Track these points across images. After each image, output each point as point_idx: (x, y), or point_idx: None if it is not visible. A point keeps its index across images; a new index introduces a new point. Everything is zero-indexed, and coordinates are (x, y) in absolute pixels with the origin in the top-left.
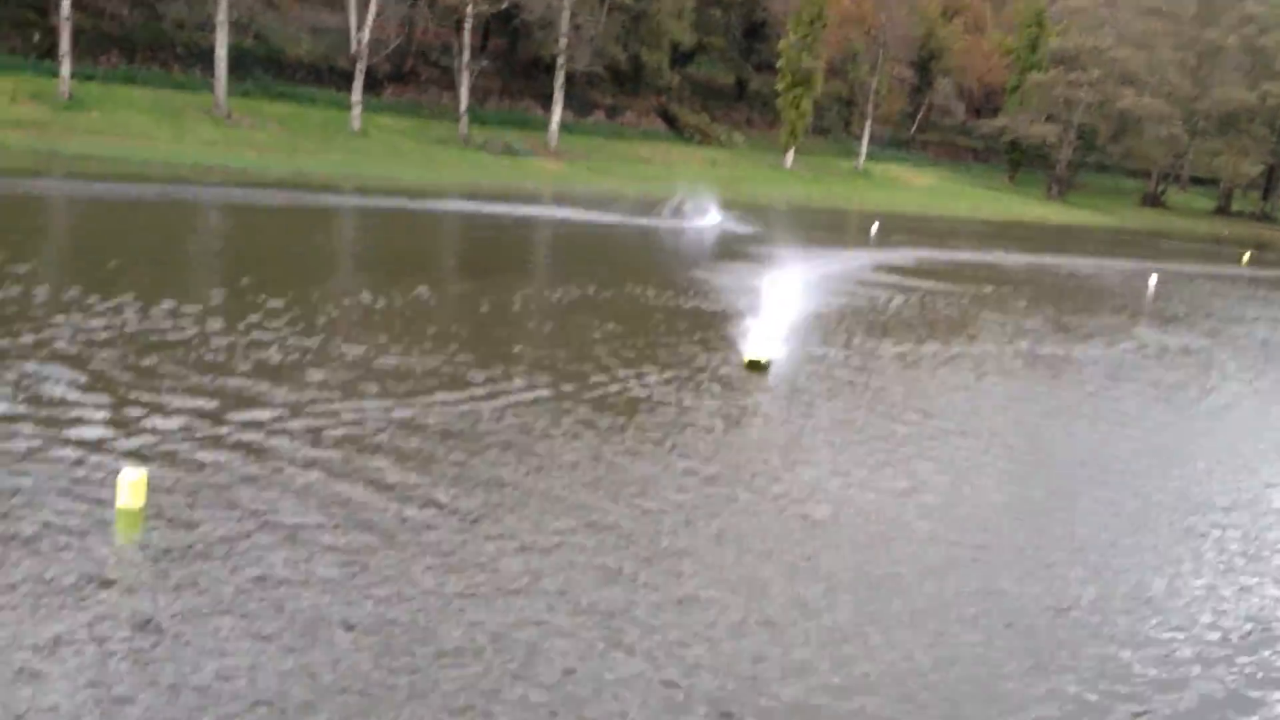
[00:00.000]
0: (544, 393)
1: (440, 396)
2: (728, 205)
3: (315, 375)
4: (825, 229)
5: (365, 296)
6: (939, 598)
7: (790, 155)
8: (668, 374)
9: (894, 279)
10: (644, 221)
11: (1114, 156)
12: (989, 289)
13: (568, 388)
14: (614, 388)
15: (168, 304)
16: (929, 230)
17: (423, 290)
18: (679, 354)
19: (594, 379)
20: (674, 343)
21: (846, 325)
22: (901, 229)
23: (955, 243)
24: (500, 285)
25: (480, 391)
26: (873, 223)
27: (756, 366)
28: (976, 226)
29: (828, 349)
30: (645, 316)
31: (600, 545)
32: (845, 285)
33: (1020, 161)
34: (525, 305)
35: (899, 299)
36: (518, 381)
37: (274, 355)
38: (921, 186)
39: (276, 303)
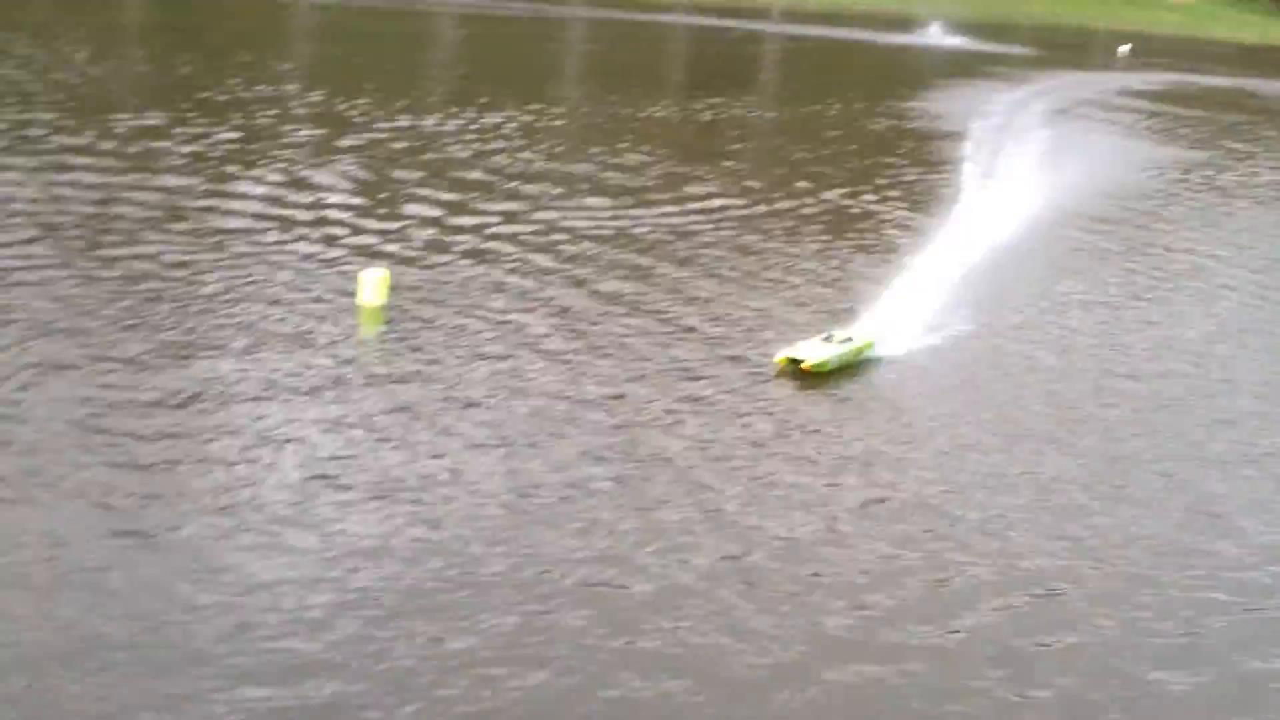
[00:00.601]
0: (760, 208)
1: (657, 208)
2: (971, 22)
3: (542, 182)
4: (1071, 49)
5: (593, 108)
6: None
7: None
8: (886, 194)
9: (1139, 103)
10: (881, 39)
11: None
12: (1242, 117)
13: (787, 203)
14: (829, 204)
15: (403, 106)
16: (1182, 53)
17: (648, 103)
18: (901, 174)
19: (811, 195)
20: (896, 164)
21: (1082, 147)
22: (1153, 51)
23: (1210, 68)
24: (725, 100)
25: (695, 204)
26: (1123, 44)
27: (795, 366)
28: (1235, 51)
29: (1060, 176)
30: (869, 136)
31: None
32: (1086, 109)
33: None
34: (749, 120)
35: (1141, 122)
36: (734, 195)
37: (503, 163)
38: (1178, 6)
39: (505, 113)
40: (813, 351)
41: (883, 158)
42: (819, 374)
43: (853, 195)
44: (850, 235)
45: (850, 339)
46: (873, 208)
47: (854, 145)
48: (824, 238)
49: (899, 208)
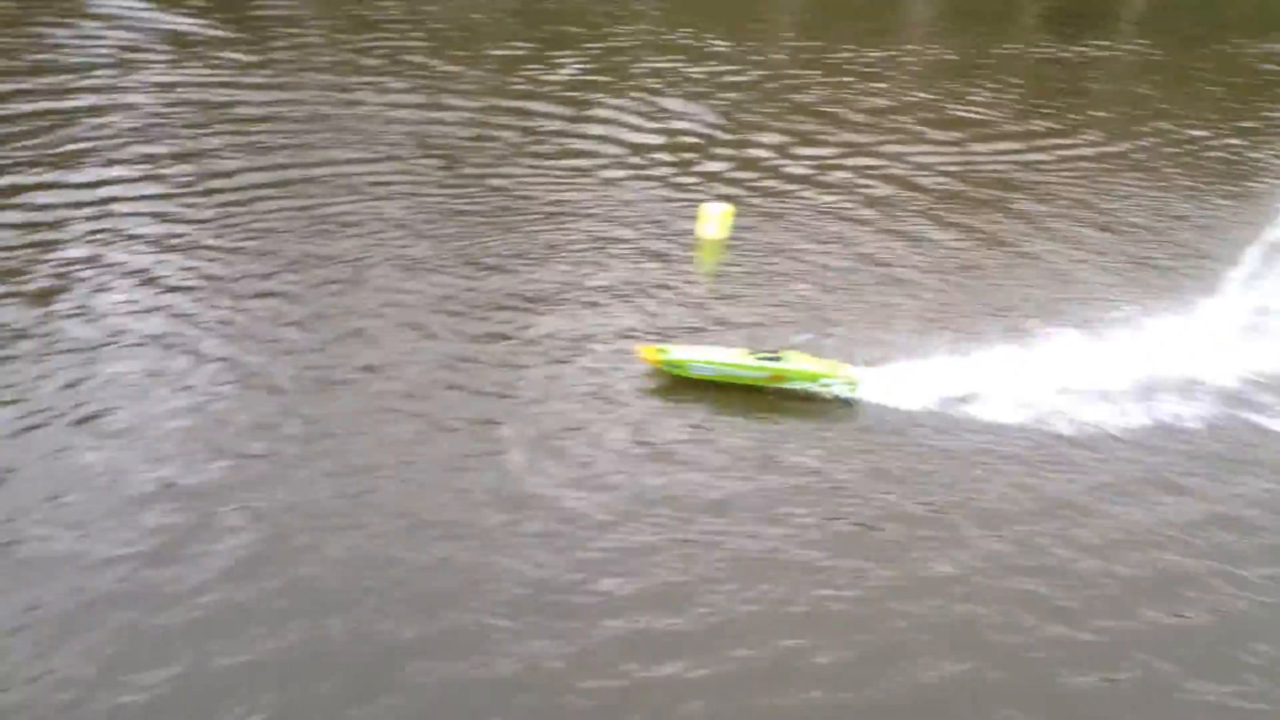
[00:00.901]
0: (1113, 148)
1: (1008, 144)
2: None
3: (890, 118)
4: None
5: (945, 44)
6: None
7: None
8: (1258, 141)
9: None
10: None
11: None
12: None
13: (1143, 144)
14: (1191, 148)
15: (754, 39)
16: None
17: (1004, 40)
18: (1268, 118)
19: (1172, 137)
20: (1273, 109)
21: None
22: None
23: None
24: (1087, 37)
25: (1046, 140)
26: None
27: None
28: None
29: None
30: (1245, 79)
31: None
32: None
33: None
34: (1110, 58)
35: None
36: (1088, 135)
37: (851, 98)
38: None
39: (854, 48)
40: (685, 351)
41: (1258, 101)
42: (682, 377)
43: (1220, 139)
44: (1212, 184)
45: (777, 359)
46: (1242, 155)
47: (1226, 88)
48: (1184, 183)
49: (1273, 157)
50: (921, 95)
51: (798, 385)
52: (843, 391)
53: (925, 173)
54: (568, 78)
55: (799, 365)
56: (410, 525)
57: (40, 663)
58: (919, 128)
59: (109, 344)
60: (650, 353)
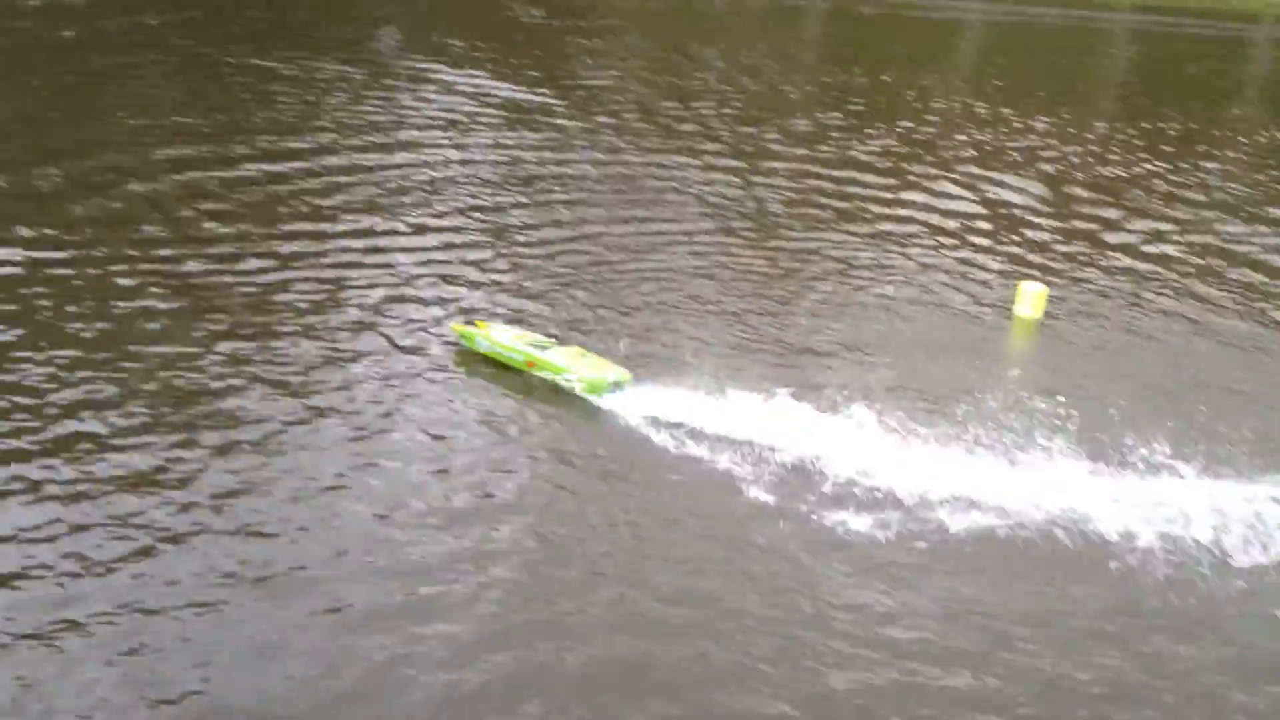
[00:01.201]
0: None
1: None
2: None
3: (1213, 196)
4: None
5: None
6: None
7: None
8: None
9: None
10: None
11: None
12: None
13: None
14: None
15: (1069, 124)
16: None
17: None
18: None
19: None
20: None
21: None
22: None
23: None
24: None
25: None
26: None
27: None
28: None
29: None
30: None
31: None
32: None
33: None
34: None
35: None
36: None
37: (1176, 179)
38: None
39: (1174, 126)
40: (501, 332)
41: None
42: (477, 352)
43: None
44: None
45: (545, 347)
46: None
47: None
48: None
49: None
50: (1256, 176)
51: (545, 375)
52: (578, 389)
53: (1263, 253)
54: (880, 149)
55: (551, 358)
56: (706, 557)
57: (323, 660)
58: (1251, 208)
59: (409, 383)
60: (481, 326)
